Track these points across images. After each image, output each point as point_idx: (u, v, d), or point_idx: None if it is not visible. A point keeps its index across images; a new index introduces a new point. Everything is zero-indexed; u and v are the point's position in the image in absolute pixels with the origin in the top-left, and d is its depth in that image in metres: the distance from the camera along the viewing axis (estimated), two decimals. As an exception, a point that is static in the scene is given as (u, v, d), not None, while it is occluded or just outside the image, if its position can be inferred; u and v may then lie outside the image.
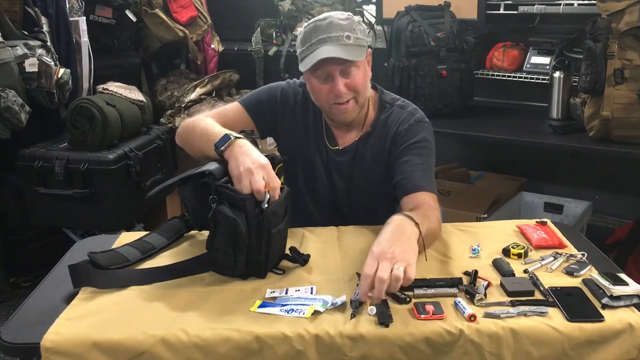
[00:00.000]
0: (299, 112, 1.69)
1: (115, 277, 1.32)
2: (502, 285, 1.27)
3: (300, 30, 3.35)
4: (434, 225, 1.44)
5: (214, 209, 1.25)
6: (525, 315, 1.16)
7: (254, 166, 1.27)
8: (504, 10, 2.92)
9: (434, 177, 1.59)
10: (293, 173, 1.72)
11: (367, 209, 1.70)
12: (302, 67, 1.55)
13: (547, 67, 2.90)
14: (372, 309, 1.17)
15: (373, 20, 3.34)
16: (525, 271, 1.34)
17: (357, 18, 1.57)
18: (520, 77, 2.97)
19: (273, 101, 1.68)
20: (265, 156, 1.36)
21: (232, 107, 1.67)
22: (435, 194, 1.53)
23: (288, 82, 1.72)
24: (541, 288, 1.26)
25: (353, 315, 1.16)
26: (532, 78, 2.93)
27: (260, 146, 1.44)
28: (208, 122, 1.50)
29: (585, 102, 2.52)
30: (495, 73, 3.04)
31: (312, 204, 1.73)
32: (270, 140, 3.19)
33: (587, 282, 1.28)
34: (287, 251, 1.40)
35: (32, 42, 2.53)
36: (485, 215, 2.72)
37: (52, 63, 2.57)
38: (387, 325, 1.13)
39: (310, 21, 1.56)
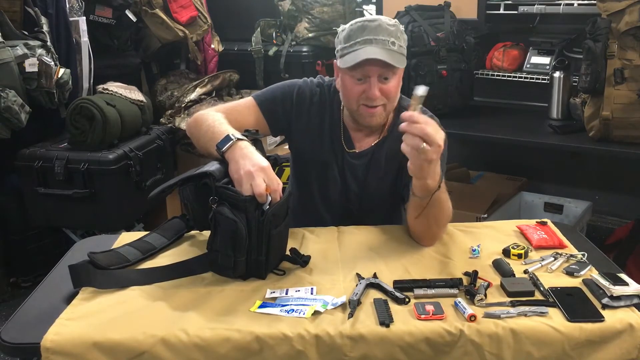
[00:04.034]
0: (314, 113, 1.67)
1: (115, 277, 1.32)
2: (502, 285, 1.27)
3: (300, 29, 3.38)
4: (449, 208, 1.47)
5: (214, 210, 1.25)
6: (526, 315, 1.16)
7: (255, 169, 1.27)
8: (504, 10, 2.93)
9: (444, 183, 1.58)
10: (305, 173, 1.71)
11: (377, 212, 1.70)
12: (342, 63, 1.53)
13: (547, 67, 2.90)
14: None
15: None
16: (526, 271, 1.34)
17: (401, 26, 1.55)
18: (520, 77, 2.97)
19: (288, 100, 1.66)
20: (268, 157, 1.35)
21: (245, 103, 1.65)
22: None
23: (305, 80, 1.70)
24: (541, 288, 1.26)
25: (351, 315, 1.16)
26: (532, 78, 2.93)
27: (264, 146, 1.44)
28: (216, 118, 1.48)
29: (585, 102, 2.52)
30: (495, 73, 3.05)
31: (323, 205, 1.72)
32: (270, 140, 3.21)
33: (587, 282, 1.28)
34: (288, 252, 1.40)
35: (32, 42, 2.52)
36: (485, 215, 2.73)
37: (52, 63, 2.57)
38: (387, 325, 1.13)
39: (358, 20, 1.54)
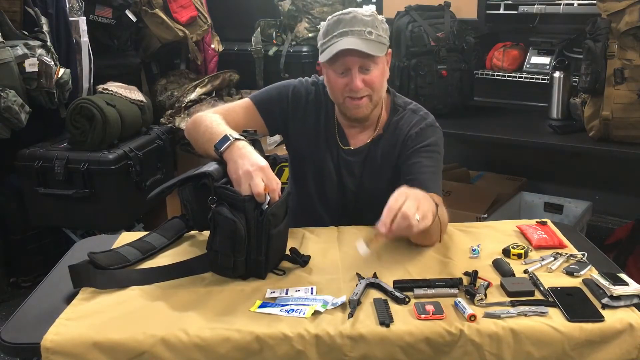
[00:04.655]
0: (310, 111, 1.68)
1: (115, 277, 1.32)
2: (502, 285, 1.27)
3: (300, 29, 3.38)
4: (445, 216, 1.47)
5: (213, 210, 1.25)
6: (526, 315, 1.16)
7: (253, 169, 1.27)
8: (504, 10, 2.93)
9: (441, 181, 1.59)
10: (302, 172, 1.72)
11: (373, 211, 1.70)
12: (322, 58, 1.55)
13: (547, 67, 2.90)
14: (362, 246, 1.26)
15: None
16: (526, 271, 1.34)
17: (380, 17, 1.56)
18: (520, 77, 2.97)
19: (284, 100, 1.67)
20: (267, 157, 1.35)
21: (242, 104, 1.66)
22: (441, 197, 1.54)
23: (300, 80, 1.71)
24: (541, 288, 1.26)
25: (351, 315, 1.16)
26: (532, 78, 2.93)
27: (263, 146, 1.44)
28: (214, 119, 1.49)
29: (585, 102, 2.52)
30: (495, 73, 3.04)
31: (320, 203, 1.72)
32: (270, 140, 3.21)
33: (587, 282, 1.28)
34: (288, 252, 1.40)
35: (32, 42, 2.52)
36: (485, 215, 2.72)
37: (52, 63, 2.57)
38: (387, 325, 1.13)
39: (334, 14, 1.55)
